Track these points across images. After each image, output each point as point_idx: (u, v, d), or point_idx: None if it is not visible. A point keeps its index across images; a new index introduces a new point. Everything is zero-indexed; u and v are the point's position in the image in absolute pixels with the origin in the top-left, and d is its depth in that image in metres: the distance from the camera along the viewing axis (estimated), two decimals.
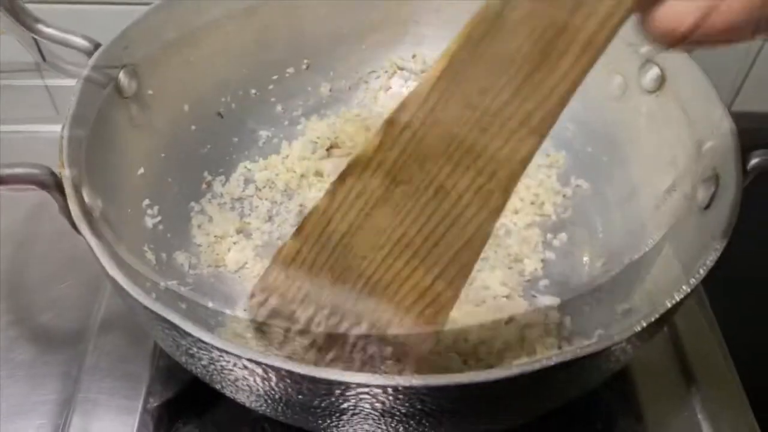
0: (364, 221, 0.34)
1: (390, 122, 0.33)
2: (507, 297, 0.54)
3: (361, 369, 0.37)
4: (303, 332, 0.36)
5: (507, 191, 0.33)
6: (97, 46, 0.50)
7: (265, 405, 0.38)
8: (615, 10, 0.29)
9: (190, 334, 0.35)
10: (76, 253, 0.61)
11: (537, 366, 0.34)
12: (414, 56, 0.68)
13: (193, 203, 0.59)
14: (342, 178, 0.34)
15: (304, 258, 0.36)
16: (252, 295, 0.41)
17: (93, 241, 0.39)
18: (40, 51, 0.82)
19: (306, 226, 0.36)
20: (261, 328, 0.39)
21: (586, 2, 0.29)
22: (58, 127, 0.71)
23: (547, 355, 0.34)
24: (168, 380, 0.52)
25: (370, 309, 0.35)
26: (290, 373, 0.33)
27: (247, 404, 0.40)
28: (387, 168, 0.33)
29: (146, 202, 0.55)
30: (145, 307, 0.36)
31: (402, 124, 0.33)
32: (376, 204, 0.34)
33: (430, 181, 0.33)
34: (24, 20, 0.49)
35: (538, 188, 0.61)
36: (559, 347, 0.50)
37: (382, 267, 0.34)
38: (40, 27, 0.50)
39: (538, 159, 0.60)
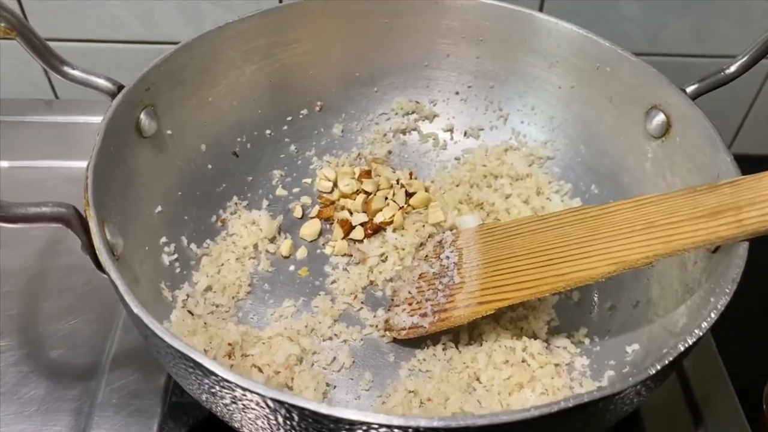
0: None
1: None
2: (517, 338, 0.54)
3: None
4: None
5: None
6: (120, 87, 0.51)
7: None
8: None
9: (213, 373, 0.35)
10: (88, 289, 0.61)
11: (555, 408, 0.34)
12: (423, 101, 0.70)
13: (208, 241, 0.60)
14: None
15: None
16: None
17: (118, 279, 0.39)
18: (53, 88, 0.83)
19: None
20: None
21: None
22: (68, 163, 0.73)
23: (564, 398, 0.35)
24: (180, 417, 0.52)
25: (474, 275, 0.54)
26: (313, 413, 0.34)
27: None
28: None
29: (163, 239, 0.56)
30: (169, 345, 0.37)
31: None
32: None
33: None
34: (51, 62, 0.50)
35: None
36: (570, 388, 0.51)
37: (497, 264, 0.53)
38: (66, 69, 0.51)
39: (551, 205, 0.62)
